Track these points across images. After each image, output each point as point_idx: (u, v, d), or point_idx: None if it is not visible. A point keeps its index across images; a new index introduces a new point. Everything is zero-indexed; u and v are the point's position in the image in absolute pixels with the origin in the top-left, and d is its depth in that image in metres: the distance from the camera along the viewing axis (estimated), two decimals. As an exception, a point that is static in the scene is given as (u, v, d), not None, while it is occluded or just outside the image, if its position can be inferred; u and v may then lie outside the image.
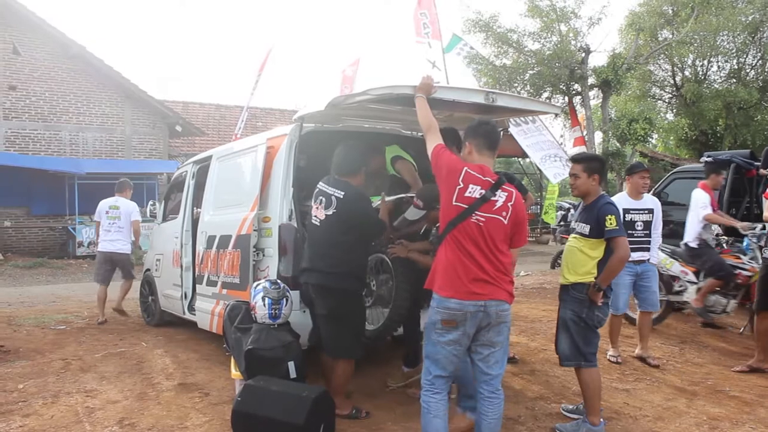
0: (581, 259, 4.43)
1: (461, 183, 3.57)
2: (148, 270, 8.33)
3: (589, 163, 4.54)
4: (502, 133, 5.65)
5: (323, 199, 4.48)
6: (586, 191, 4.57)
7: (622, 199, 6.06)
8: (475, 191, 3.55)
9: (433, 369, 3.64)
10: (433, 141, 3.78)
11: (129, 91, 19.34)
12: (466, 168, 3.61)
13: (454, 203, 3.56)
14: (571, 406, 4.85)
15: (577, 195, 4.73)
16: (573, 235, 4.62)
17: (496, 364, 3.64)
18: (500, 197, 3.58)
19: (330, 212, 4.40)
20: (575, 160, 4.76)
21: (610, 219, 4.28)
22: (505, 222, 3.57)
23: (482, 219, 3.53)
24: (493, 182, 3.60)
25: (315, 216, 4.53)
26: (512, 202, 3.60)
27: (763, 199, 6.40)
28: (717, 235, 8.12)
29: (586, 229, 4.42)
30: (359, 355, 4.57)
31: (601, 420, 4.44)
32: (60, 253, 17.70)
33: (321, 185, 4.57)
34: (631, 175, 6.26)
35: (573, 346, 4.42)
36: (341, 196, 4.39)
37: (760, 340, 6.15)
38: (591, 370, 4.44)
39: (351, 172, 4.54)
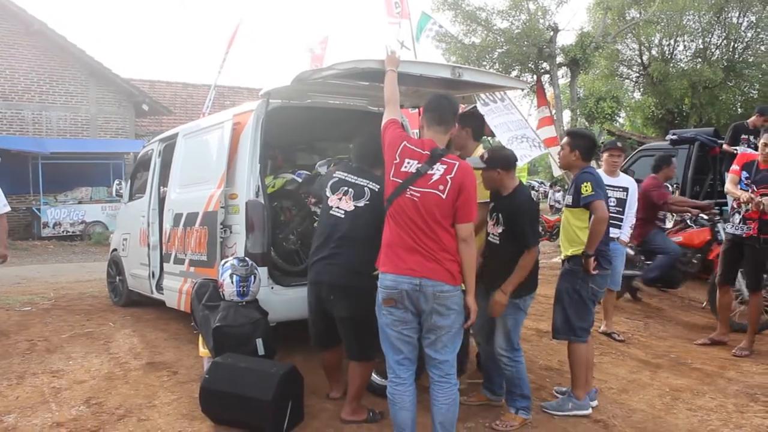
0: (570, 231, 4.53)
1: (397, 158, 3.49)
2: (114, 250, 8.22)
3: (574, 139, 4.61)
4: (471, 107, 5.65)
5: (350, 190, 4.16)
6: (567, 164, 4.69)
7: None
8: (411, 165, 3.44)
9: (388, 354, 3.56)
10: (388, 115, 3.74)
11: (93, 69, 19.01)
12: (404, 142, 3.52)
13: (390, 178, 3.49)
14: (563, 388, 4.86)
15: (562, 167, 4.95)
16: (564, 207, 4.77)
17: (444, 348, 3.47)
18: (437, 170, 3.40)
19: (361, 204, 4.10)
20: (568, 132, 4.92)
21: (585, 186, 4.33)
22: (443, 196, 3.35)
23: (417, 194, 3.38)
24: (431, 155, 3.44)
25: (337, 207, 4.16)
26: (452, 175, 3.38)
27: (726, 174, 6.50)
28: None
29: (570, 200, 4.52)
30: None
31: (587, 395, 4.52)
32: (25, 235, 17.42)
33: (343, 175, 4.27)
34: (603, 153, 6.36)
35: (565, 319, 4.47)
36: (377, 189, 4.06)
37: (721, 313, 6.29)
38: (580, 345, 4.48)
39: (379, 163, 4.12)
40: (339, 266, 4.05)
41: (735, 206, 6.01)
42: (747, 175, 5.92)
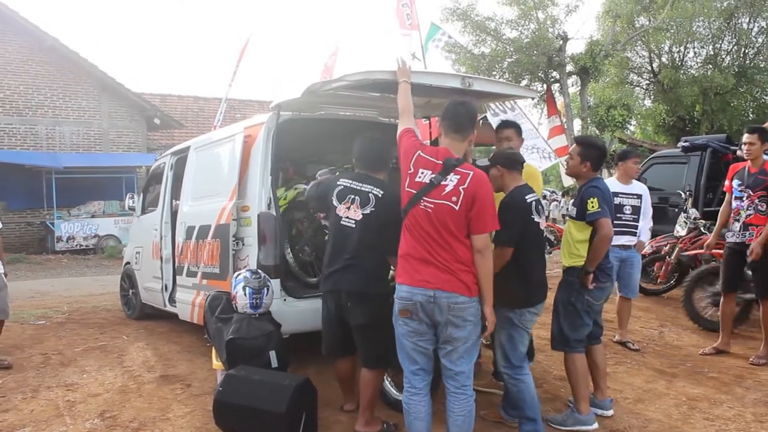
0: (570, 243, 4.41)
1: (411, 168, 3.46)
2: (128, 263, 8.25)
3: (585, 149, 4.45)
4: (482, 117, 5.66)
5: (356, 198, 4.11)
6: (576, 174, 4.53)
7: (611, 184, 5.90)
8: (425, 176, 3.40)
9: (404, 364, 3.56)
10: (403, 124, 3.72)
11: (105, 83, 19.16)
12: (419, 152, 3.48)
13: (406, 189, 3.46)
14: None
15: (568, 175, 4.77)
16: (568, 218, 4.68)
17: (459, 359, 3.44)
18: (451, 181, 3.35)
19: (367, 211, 4.06)
20: (577, 140, 4.78)
21: (592, 202, 4.20)
22: (456, 208, 3.31)
23: (431, 205, 3.35)
24: (444, 165, 3.39)
25: (347, 217, 4.12)
26: (465, 186, 3.32)
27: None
28: (695, 219, 8.22)
29: (574, 211, 4.42)
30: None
31: (602, 403, 4.49)
32: (38, 249, 17.53)
33: (347, 182, 4.20)
34: (625, 161, 6.23)
35: (559, 330, 4.41)
36: (380, 195, 4.07)
37: (724, 322, 6.21)
38: (575, 357, 4.39)
39: (382, 167, 4.29)
40: (356, 274, 4.04)
41: (734, 214, 5.96)
42: (740, 182, 5.91)
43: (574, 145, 4.66)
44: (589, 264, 4.26)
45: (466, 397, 3.47)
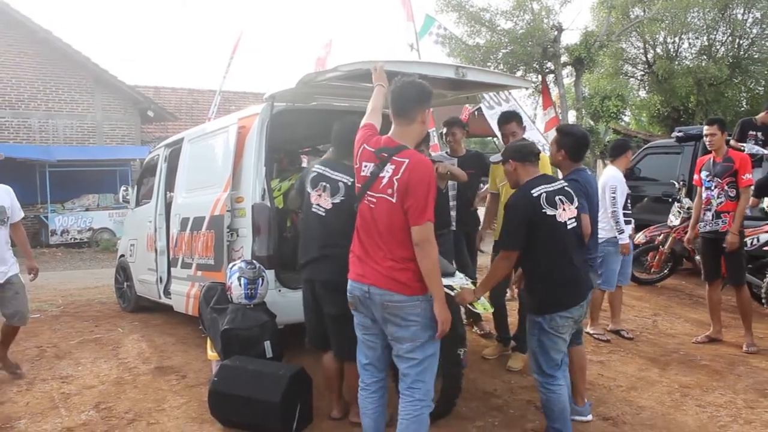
0: None
1: (357, 162, 3.30)
2: (122, 256, 8.25)
3: (561, 136, 4.29)
4: (475, 108, 5.67)
5: (327, 186, 4.00)
6: (555, 163, 4.40)
7: (618, 175, 6.11)
8: (367, 169, 3.22)
9: (358, 357, 3.48)
10: (364, 119, 3.52)
11: (99, 76, 19.05)
12: (364, 145, 3.29)
13: (357, 185, 3.33)
14: None
15: (552, 165, 4.60)
16: None
17: (401, 359, 3.24)
18: (387, 172, 3.12)
19: (337, 200, 3.94)
20: (557, 129, 4.64)
21: None
22: (393, 200, 3.08)
23: (373, 200, 3.16)
24: (379, 156, 3.18)
25: (317, 204, 4.04)
26: (398, 176, 3.07)
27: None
28: (688, 208, 8.25)
29: None
30: None
31: (586, 402, 4.39)
32: (33, 242, 17.40)
33: (320, 169, 4.11)
34: (626, 152, 6.31)
35: None
36: (350, 183, 3.87)
37: (712, 311, 6.27)
38: (571, 351, 4.19)
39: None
40: (329, 263, 3.89)
41: (705, 204, 6.06)
42: (707, 173, 6.04)
43: (555, 133, 4.51)
44: None
45: (413, 400, 3.22)
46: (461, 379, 4.21)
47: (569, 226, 3.70)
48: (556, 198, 3.68)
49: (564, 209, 3.68)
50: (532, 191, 3.68)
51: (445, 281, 3.55)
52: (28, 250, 5.71)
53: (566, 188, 3.80)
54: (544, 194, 3.65)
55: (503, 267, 3.72)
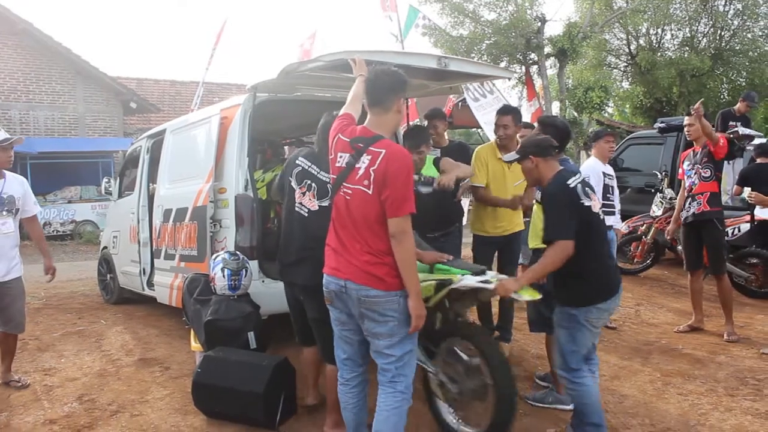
0: (537, 225, 4.25)
1: (332, 152, 3.20)
2: (105, 248, 8.20)
3: (542, 128, 4.21)
4: (460, 100, 5.67)
5: (314, 185, 3.80)
6: None
7: (598, 165, 5.92)
8: (342, 159, 3.12)
9: (336, 353, 3.41)
10: (343, 109, 3.43)
11: (80, 67, 18.90)
12: (338, 135, 3.20)
13: (331, 176, 3.23)
14: (542, 373, 4.84)
15: None
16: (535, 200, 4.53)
17: (379, 355, 3.17)
18: (363, 163, 3.03)
19: (325, 204, 3.68)
20: (539, 121, 4.53)
21: None
22: (369, 192, 2.99)
23: (349, 191, 3.07)
24: (355, 146, 3.09)
25: (300, 204, 3.84)
26: (375, 167, 2.98)
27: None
28: (670, 198, 8.32)
29: (538, 194, 4.16)
30: None
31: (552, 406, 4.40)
32: (14, 235, 17.30)
33: (306, 164, 3.88)
34: (597, 141, 6.11)
35: (537, 312, 4.34)
36: None
37: (694, 299, 6.33)
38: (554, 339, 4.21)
39: None
40: (309, 267, 3.66)
41: (687, 192, 6.11)
42: (689, 163, 6.13)
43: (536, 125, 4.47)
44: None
45: (394, 392, 3.15)
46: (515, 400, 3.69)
47: (601, 217, 3.66)
48: (586, 188, 3.61)
49: (593, 199, 3.61)
50: (568, 183, 3.55)
51: (479, 278, 3.52)
52: (45, 248, 5.25)
53: (585, 181, 3.71)
54: (579, 185, 3.55)
55: (558, 259, 3.42)
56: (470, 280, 3.55)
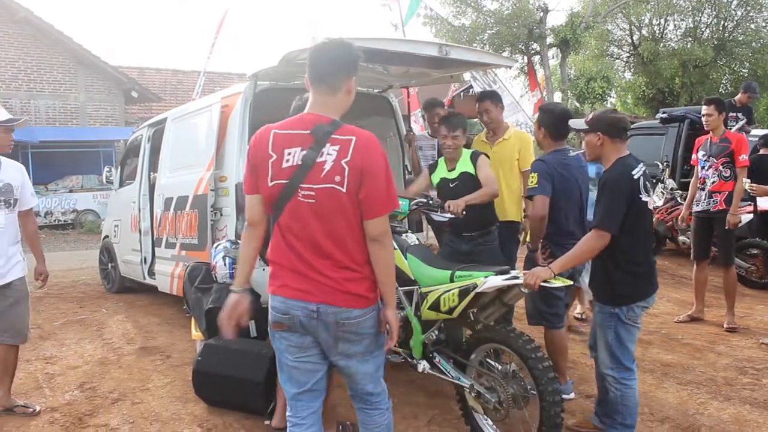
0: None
1: (272, 153, 2.47)
2: (106, 237, 8.21)
3: (541, 114, 4.27)
4: (464, 89, 5.65)
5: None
6: (538, 142, 4.34)
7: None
8: (293, 156, 2.45)
9: (285, 387, 2.68)
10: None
11: (81, 56, 18.87)
12: (273, 131, 2.52)
13: (269, 184, 2.48)
14: None
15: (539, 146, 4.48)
16: None
17: (362, 379, 2.68)
18: (329, 155, 2.43)
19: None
20: (539, 108, 4.53)
21: (532, 176, 3.99)
22: (344, 189, 2.41)
23: (312, 193, 2.43)
24: (314, 136, 2.45)
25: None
26: (347, 159, 2.41)
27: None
28: (672, 189, 8.31)
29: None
30: None
31: (569, 380, 4.41)
32: (16, 225, 17.31)
33: None
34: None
35: (533, 305, 4.32)
36: None
37: (697, 290, 6.33)
38: (554, 332, 4.27)
39: None
40: None
41: (700, 183, 6.09)
42: (704, 153, 6.07)
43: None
44: (531, 241, 4.10)
45: (379, 412, 2.77)
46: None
47: (654, 216, 3.57)
48: (647, 183, 3.42)
49: (651, 195, 3.45)
50: (632, 173, 3.35)
51: (504, 276, 3.39)
52: (38, 248, 4.54)
53: (647, 174, 3.51)
54: (642, 178, 3.37)
55: (595, 247, 3.30)
56: (495, 280, 3.38)
